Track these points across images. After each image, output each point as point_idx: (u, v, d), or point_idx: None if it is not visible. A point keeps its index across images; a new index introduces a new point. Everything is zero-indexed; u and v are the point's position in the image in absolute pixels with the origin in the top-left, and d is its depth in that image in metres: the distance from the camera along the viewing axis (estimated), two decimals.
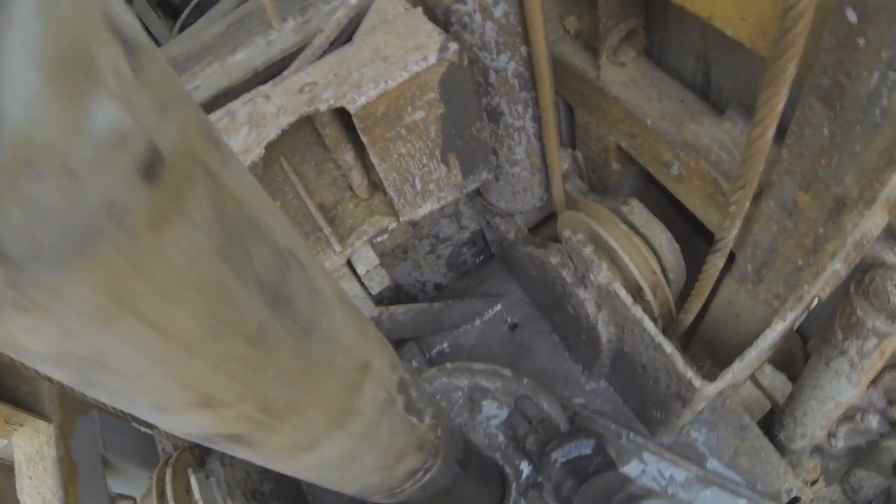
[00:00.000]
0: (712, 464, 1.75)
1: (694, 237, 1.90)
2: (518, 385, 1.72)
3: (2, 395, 1.61)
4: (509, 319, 1.96)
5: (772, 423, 1.87)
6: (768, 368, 2.00)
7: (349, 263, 1.52)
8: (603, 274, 1.51)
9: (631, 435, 1.74)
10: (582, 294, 1.56)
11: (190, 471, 1.59)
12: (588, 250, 1.51)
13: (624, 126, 1.66)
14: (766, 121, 1.10)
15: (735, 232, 1.35)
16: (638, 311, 1.45)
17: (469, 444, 1.19)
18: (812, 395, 1.66)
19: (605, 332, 1.57)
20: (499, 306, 1.97)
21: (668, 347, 1.41)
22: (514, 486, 1.64)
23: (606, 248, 1.56)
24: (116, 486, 1.89)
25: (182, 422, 0.53)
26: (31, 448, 1.63)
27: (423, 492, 1.04)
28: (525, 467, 1.67)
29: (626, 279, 1.52)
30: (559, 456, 1.50)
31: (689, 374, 1.38)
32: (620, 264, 1.53)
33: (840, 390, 1.60)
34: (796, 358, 1.86)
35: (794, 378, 1.88)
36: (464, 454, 1.15)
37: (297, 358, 0.57)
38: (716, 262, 1.49)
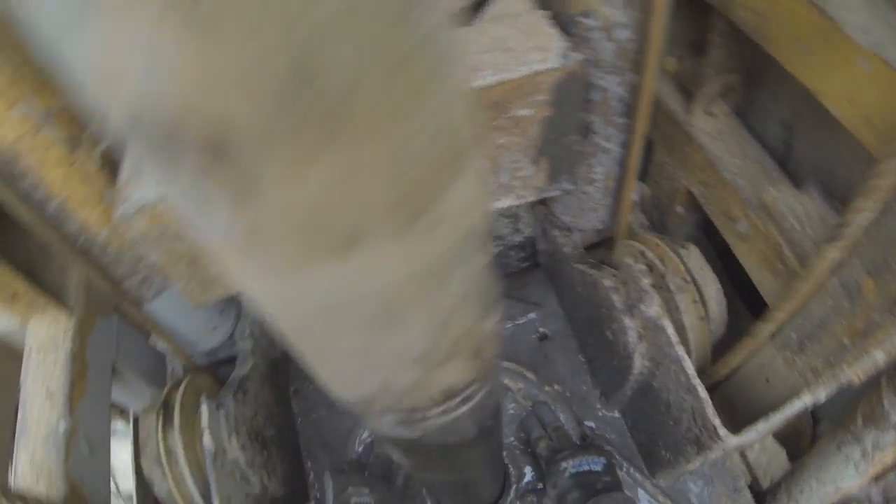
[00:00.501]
0: None
1: (736, 298, 1.92)
2: (539, 391, 1.74)
3: (29, 277, 1.58)
4: (540, 330, 1.99)
5: (762, 496, 1.89)
6: (758, 445, 2.03)
7: None
8: (655, 308, 1.52)
9: (631, 469, 1.77)
10: (627, 322, 1.58)
11: (204, 397, 1.58)
12: (646, 282, 1.52)
13: (701, 174, 1.70)
14: (865, 211, 1.13)
15: (791, 308, 1.37)
16: (681, 351, 1.48)
17: (499, 412, 1.07)
18: (814, 474, 1.69)
19: (638, 363, 1.59)
20: (533, 314, 2.00)
21: (703, 392, 1.44)
22: (514, 487, 1.64)
23: (661, 284, 1.57)
24: (115, 394, 1.87)
25: None
26: (46, 337, 1.62)
27: (443, 435, 0.80)
28: (528, 472, 1.69)
29: (673, 318, 1.54)
30: (569, 466, 1.53)
31: (717, 422, 1.41)
32: (671, 303, 1.55)
33: (844, 476, 1.63)
34: (803, 436, 1.89)
35: (794, 455, 1.91)
36: (493, 419, 0.97)
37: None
38: (767, 330, 1.52)
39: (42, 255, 1.72)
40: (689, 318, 1.59)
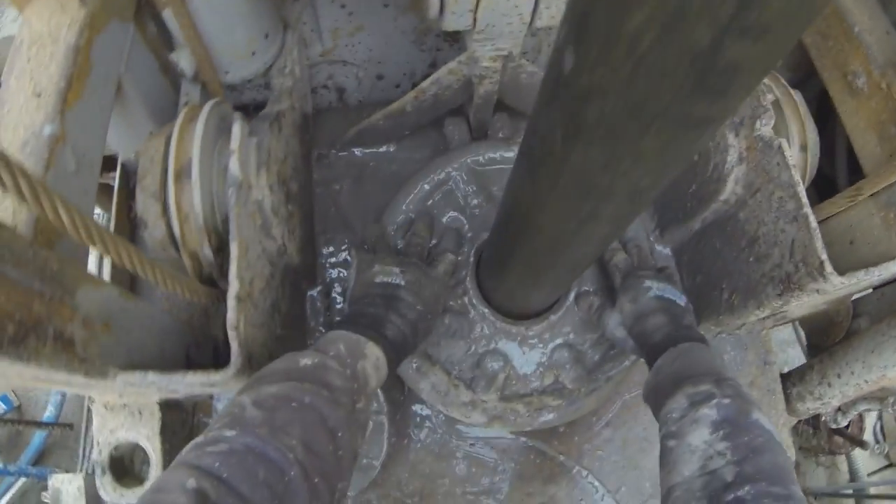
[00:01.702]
0: None
1: None
2: None
3: None
4: None
5: (785, 376, 1.76)
6: None
7: None
8: (772, 124, 1.33)
9: None
10: (731, 140, 1.38)
11: (238, 116, 1.27)
12: (770, 97, 1.32)
13: (822, 24, 1.52)
14: None
15: None
16: (796, 175, 1.28)
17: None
18: (862, 357, 1.55)
19: (730, 187, 1.41)
20: None
21: (814, 222, 1.24)
22: (572, 293, 1.43)
23: (778, 118, 1.38)
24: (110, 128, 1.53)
25: None
26: (45, 27, 1.26)
27: None
28: (588, 278, 1.45)
29: None
30: (654, 287, 1.29)
31: (825, 256, 1.22)
32: (785, 137, 1.36)
33: None
34: (837, 327, 1.75)
35: (819, 347, 1.77)
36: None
37: None
38: (871, 186, 1.36)
39: None
40: (794, 158, 1.41)
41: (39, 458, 3.30)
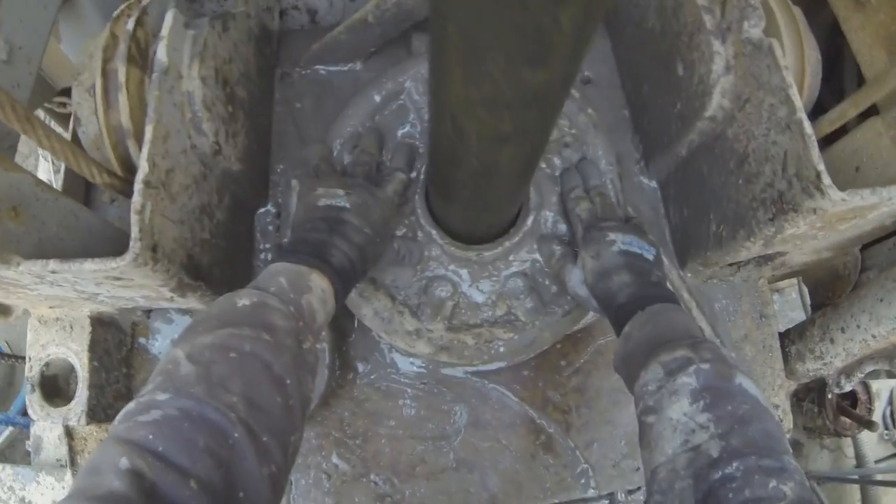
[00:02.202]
0: (720, 332, 1.44)
1: None
2: (594, 133, 1.35)
3: None
4: (585, 72, 1.61)
5: (784, 334, 1.57)
6: None
7: None
8: (762, 26, 1.17)
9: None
10: (716, 46, 1.23)
11: (173, 5, 1.16)
12: None
13: None
14: None
15: None
16: (788, 77, 1.12)
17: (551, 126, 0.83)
18: (870, 308, 1.38)
19: (715, 101, 1.25)
20: None
21: (808, 128, 1.08)
22: (530, 218, 1.27)
23: (770, 20, 1.23)
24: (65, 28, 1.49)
25: None
26: None
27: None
28: (549, 217, 1.30)
29: None
30: (619, 241, 1.14)
31: (822, 167, 1.05)
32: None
33: None
34: (844, 282, 1.57)
35: (821, 305, 1.59)
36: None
37: None
38: (872, 95, 1.18)
39: None
40: (793, 66, 1.25)
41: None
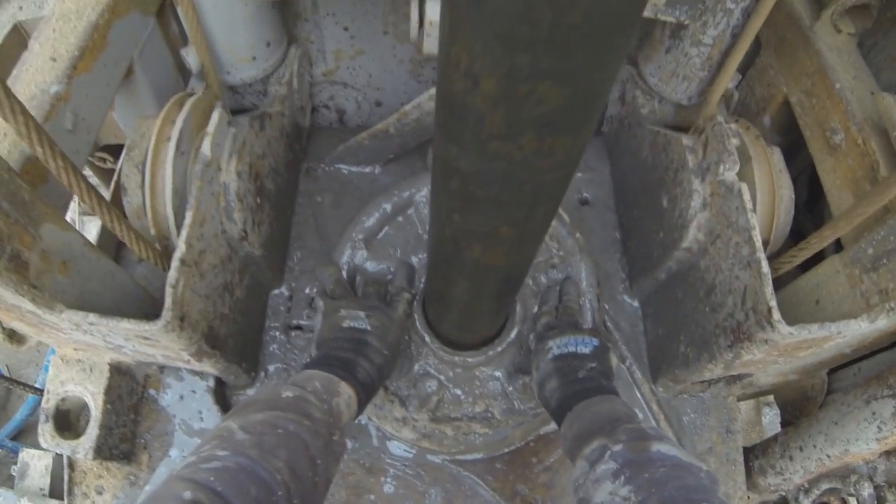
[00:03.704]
0: (686, 444, 1.57)
1: None
2: (576, 258, 1.53)
3: None
4: (583, 193, 1.80)
5: (749, 449, 1.70)
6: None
7: None
8: (734, 171, 1.35)
9: (634, 367, 1.57)
10: (696, 185, 1.41)
11: (220, 104, 1.37)
12: (735, 141, 1.36)
13: (807, 81, 1.55)
14: None
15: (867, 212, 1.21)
16: (753, 219, 1.30)
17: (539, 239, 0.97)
18: (825, 430, 1.51)
19: (691, 234, 1.42)
20: (580, 174, 1.81)
21: (766, 267, 1.25)
22: (514, 330, 1.45)
23: (744, 163, 1.41)
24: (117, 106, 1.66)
25: None
26: (74, 5, 1.42)
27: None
28: (532, 341, 1.48)
29: None
30: (554, 346, 1.32)
31: (774, 303, 1.22)
32: (749, 186, 1.38)
33: (860, 438, 1.45)
34: (811, 403, 1.70)
35: (790, 423, 1.72)
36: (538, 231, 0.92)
37: None
38: (835, 234, 1.34)
39: None
40: (762, 209, 1.42)
41: (20, 434, 3.39)
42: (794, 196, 1.50)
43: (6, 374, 3.56)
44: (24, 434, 3.46)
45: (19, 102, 0.89)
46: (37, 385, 3.23)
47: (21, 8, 2.80)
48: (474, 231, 0.85)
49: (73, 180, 1.05)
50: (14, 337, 1.50)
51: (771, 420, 2.05)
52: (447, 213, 0.84)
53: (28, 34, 2.06)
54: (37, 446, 3.28)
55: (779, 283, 1.51)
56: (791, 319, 1.29)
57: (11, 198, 0.98)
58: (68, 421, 1.52)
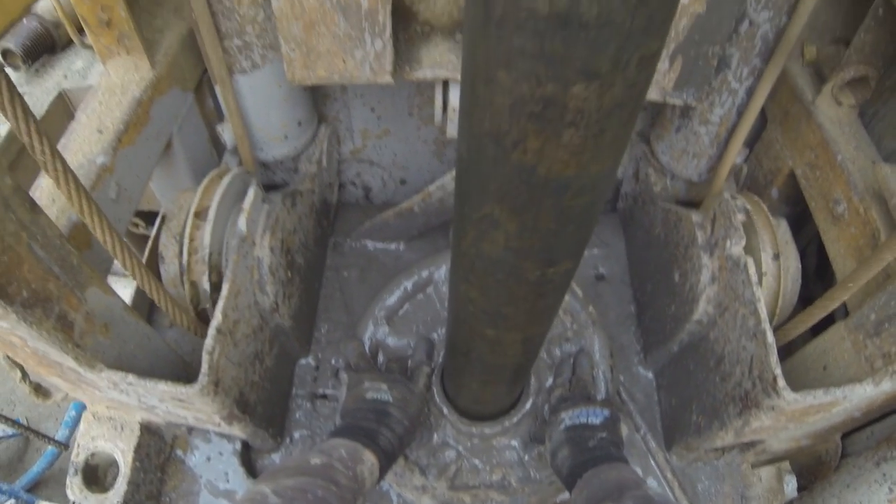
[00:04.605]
0: None
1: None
2: (590, 331, 1.63)
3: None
4: (599, 269, 1.90)
5: None
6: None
7: None
8: (741, 246, 1.44)
9: (648, 435, 1.63)
10: (704, 260, 1.50)
11: (255, 182, 1.49)
12: (741, 217, 1.45)
13: (810, 154, 1.65)
14: None
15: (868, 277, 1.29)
16: (758, 292, 1.38)
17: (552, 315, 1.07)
18: (838, 493, 1.56)
19: (701, 307, 1.50)
20: (596, 251, 1.91)
21: (770, 338, 1.33)
22: (529, 401, 1.53)
23: (751, 237, 1.50)
24: (156, 178, 1.82)
25: None
26: (119, 80, 1.56)
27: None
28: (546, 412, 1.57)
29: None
30: (566, 417, 1.42)
31: (778, 371, 1.29)
32: (756, 259, 1.47)
33: (872, 499, 1.51)
34: (825, 467, 1.74)
35: (805, 488, 1.76)
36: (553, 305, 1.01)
37: None
38: (841, 297, 1.42)
39: (153, 2, 1.68)
40: (767, 279, 1.50)
41: (36, 486, 3.45)
42: (800, 266, 1.58)
43: (24, 421, 3.63)
44: (41, 486, 3.52)
45: (72, 172, 0.99)
46: (58, 435, 3.33)
47: (66, 76, 3.02)
48: (490, 313, 0.94)
49: (117, 248, 1.16)
50: (40, 391, 1.58)
51: (793, 488, 2.09)
52: (465, 295, 0.94)
53: (72, 102, 2.23)
54: (52, 499, 3.35)
55: (790, 349, 1.60)
56: (800, 386, 1.36)
57: (62, 262, 1.07)
58: (96, 475, 1.60)
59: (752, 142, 1.86)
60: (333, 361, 1.76)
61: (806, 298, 1.62)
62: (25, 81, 3.39)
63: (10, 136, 1.76)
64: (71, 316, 1.12)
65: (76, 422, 3.39)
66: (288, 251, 1.60)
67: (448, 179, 1.65)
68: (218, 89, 1.56)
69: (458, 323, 1.07)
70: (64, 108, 2.20)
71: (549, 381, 1.60)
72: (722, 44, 1.42)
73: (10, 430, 3.38)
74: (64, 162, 0.97)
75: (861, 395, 1.31)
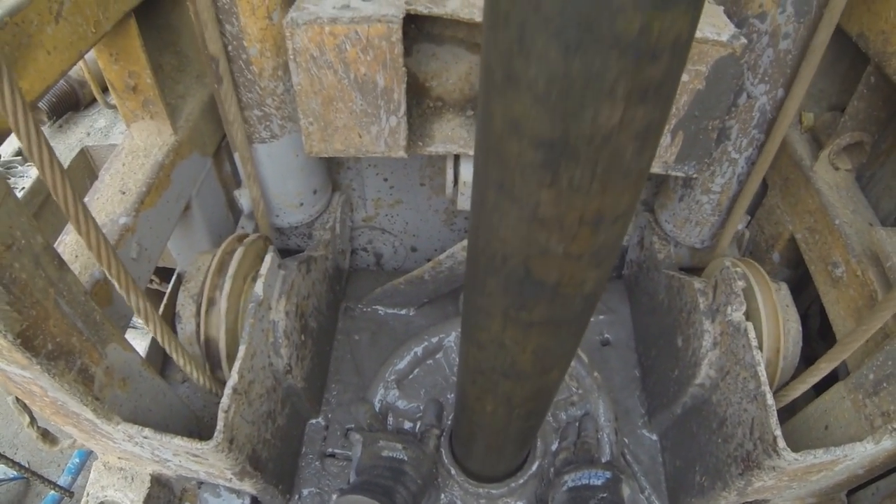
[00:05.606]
0: None
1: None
2: (598, 393, 1.70)
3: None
4: (605, 335, 1.97)
5: None
6: None
7: None
8: (741, 312, 1.51)
9: (653, 497, 1.67)
10: (706, 325, 1.57)
11: (271, 249, 1.58)
12: (741, 283, 1.52)
13: (810, 219, 1.73)
14: None
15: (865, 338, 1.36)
16: (758, 356, 1.45)
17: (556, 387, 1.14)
18: None
19: (704, 372, 1.56)
20: (602, 317, 1.98)
21: (770, 400, 1.39)
22: (535, 464, 1.60)
23: (751, 302, 1.57)
24: (174, 239, 1.90)
25: None
26: (142, 143, 1.66)
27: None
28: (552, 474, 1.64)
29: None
30: (569, 480, 1.49)
31: (778, 432, 1.35)
32: (756, 323, 1.54)
33: None
34: None
35: None
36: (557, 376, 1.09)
37: None
38: (839, 356, 1.48)
39: (177, 69, 1.80)
40: (768, 344, 1.57)
41: None
42: (801, 328, 1.64)
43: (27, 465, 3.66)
44: None
45: (101, 231, 1.07)
46: (61, 480, 3.37)
47: (88, 134, 3.16)
48: (495, 391, 1.02)
49: (140, 306, 1.22)
50: (47, 437, 1.61)
51: None
52: (472, 373, 1.02)
53: (93, 158, 2.35)
54: None
55: (793, 409, 1.65)
56: (803, 445, 1.41)
57: (86, 318, 1.15)
58: None
59: (753, 208, 1.95)
60: (342, 424, 1.82)
61: (810, 358, 1.67)
62: (49, 137, 3.53)
63: (33, 190, 1.87)
64: (92, 370, 1.20)
65: (79, 469, 3.46)
66: (302, 315, 1.68)
67: (458, 249, 1.74)
68: (237, 157, 1.67)
69: (465, 394, 1.15)
70: (85, 165, 2.32)
71: (555, 444, 1.65)
72: (721, 117, 1.52)
73: (10, 473, 3.41)
74: (93, 220, 1.05)
75: (861, 453, 1.37)
